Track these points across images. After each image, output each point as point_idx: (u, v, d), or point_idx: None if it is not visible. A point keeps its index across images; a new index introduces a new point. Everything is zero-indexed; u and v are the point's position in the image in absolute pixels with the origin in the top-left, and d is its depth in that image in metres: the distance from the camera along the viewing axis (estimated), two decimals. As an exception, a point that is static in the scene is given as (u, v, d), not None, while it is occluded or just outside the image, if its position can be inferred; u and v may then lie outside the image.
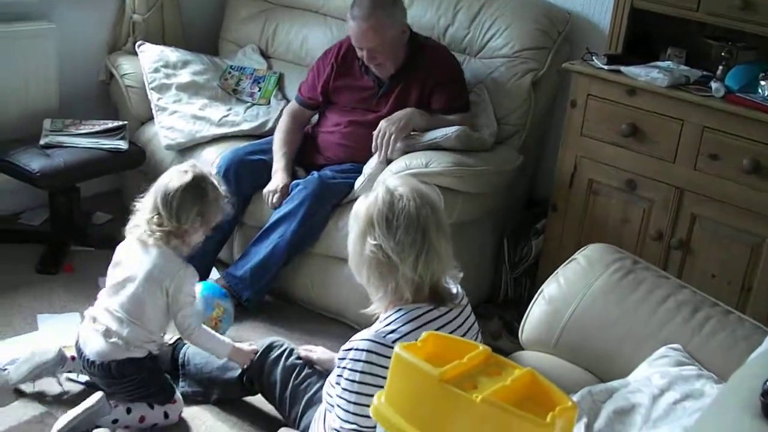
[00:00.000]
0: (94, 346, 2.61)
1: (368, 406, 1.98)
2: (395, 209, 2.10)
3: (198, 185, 2.59)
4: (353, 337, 2.13)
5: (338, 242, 3.24)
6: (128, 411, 2.61)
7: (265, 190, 3.38)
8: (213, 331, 2.74)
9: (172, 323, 2.67)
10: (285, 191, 3.35)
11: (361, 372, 2.04)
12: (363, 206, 2.17)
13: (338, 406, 2.09)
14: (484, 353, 1.62)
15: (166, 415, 2.66)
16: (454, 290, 2.24)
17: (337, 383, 2.11)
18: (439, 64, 3.44)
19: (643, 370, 2.10)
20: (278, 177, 3.40)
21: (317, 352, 2.68)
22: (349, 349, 2.08)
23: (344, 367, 2.08)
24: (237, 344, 2.70)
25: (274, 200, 3.33)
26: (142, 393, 2.63)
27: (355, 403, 2.05)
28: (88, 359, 2.62)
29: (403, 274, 2.10)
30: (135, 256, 2.62)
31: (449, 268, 2.21)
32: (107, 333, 2.58)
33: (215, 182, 2.67)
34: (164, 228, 2.57)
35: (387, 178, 2.29)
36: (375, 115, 3.41)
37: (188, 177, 2.58)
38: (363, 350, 2.05)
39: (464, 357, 1.58)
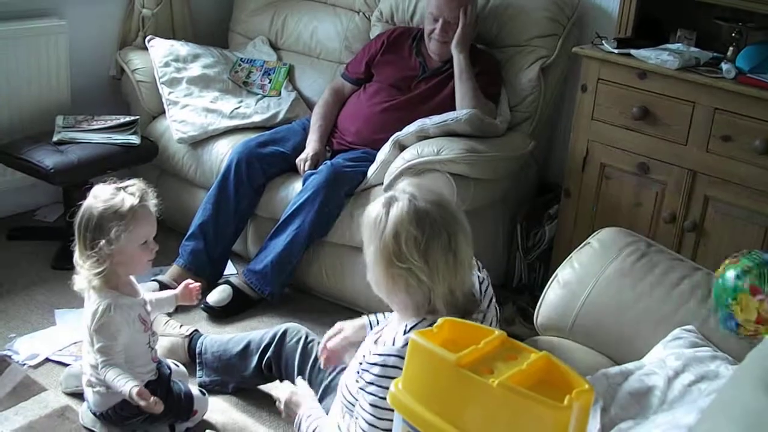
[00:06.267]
0: (89, 397, 2.55)
1: (389, 420, 1.92)
2: (424, 228, 1.97)
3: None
4: (380, 350, 2.03)
5: (352, 231, 3.25)
6: None
7: (297, 159, 3.48)
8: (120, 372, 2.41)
9: (150, 341, 2.56)
10: (315, 159, 3.46)
11: (387, 389, 1.90)
12: (378, 220, 2.02)
13: (362, 418, 2.03)
14: (500, 338, 1.63)
15: (187, 429, 2.63)
16: (476, 293, 2.18)
17: (361, 389, 2.03)
18: (483, 60, 3.54)
19: (658, 352, 2.10)
20: (310, 146, 3.53)
21: (340, 336, 2.48)
22: (375, 364, 1.99)
23: (370, 382, 1.99)
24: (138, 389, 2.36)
25: (306, 168, 3.43)
26: (156, 423, 2.56)
27: (379, 418, 1.99)
28: (90, 410, 2.57)
29: (437, 292, 2.01)
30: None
31: (472, 270, 2.15)
32: (90, 383, 2.52)
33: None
34: None
35: (397, 187, 2.12)
36: (411, 95, 3.52)
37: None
38: (390, 366, 1.96)
39: (480, 342, 1.59)
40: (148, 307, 2.59)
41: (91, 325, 2.43)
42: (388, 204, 2.03)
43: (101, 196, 2.45)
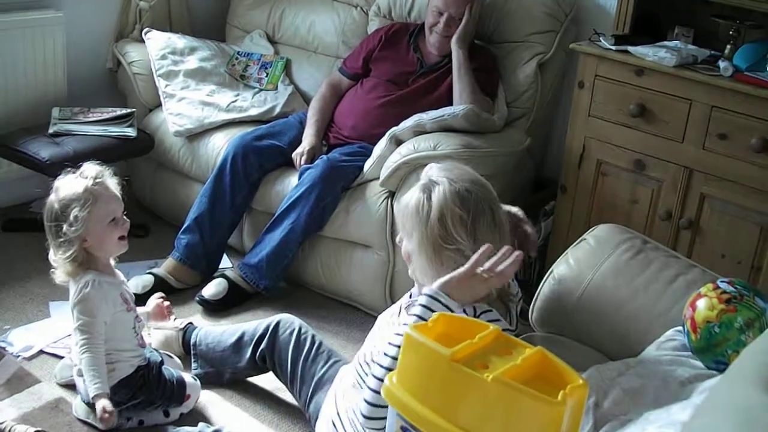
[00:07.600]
0: (80, 387, 2.56)
1: None
2: (469, 207, 2.02)
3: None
4: None
5: (348, 226, 3.25)
6: (140, 423, 2.58)
7: (293, 153, 3.46)
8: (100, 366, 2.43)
9: (142, 324, 2.63)
10: (312, 153, 3.44)
11: None
12: (421, 207, 2.03)
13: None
14: (494, 333, 1.63)
15: (181, 415, 2.64)
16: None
17: (398, 334, 2.01)
18: (481, 56, 3.53)
19: (651, 352, 2.11)
20: (307, 141, 3.51)
21: None
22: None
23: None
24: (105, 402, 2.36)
25: (302, 162, 3.41)
26: (150, 408, 2.59)
27: None
28: (83, 400, 2.57)
29: None
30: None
31: None
32: (80, 373, 2.49)
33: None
34: None
35: (430, 171, 2.13)
36: (408, 90, 3.52)
37: None
38: None
39: (475, 337, 1.58)
40: (129, 288, 2.62)
41: (71, 303, 2.46)
42: (428, 189, 2.05)
43: (60, 187, 2.48)
